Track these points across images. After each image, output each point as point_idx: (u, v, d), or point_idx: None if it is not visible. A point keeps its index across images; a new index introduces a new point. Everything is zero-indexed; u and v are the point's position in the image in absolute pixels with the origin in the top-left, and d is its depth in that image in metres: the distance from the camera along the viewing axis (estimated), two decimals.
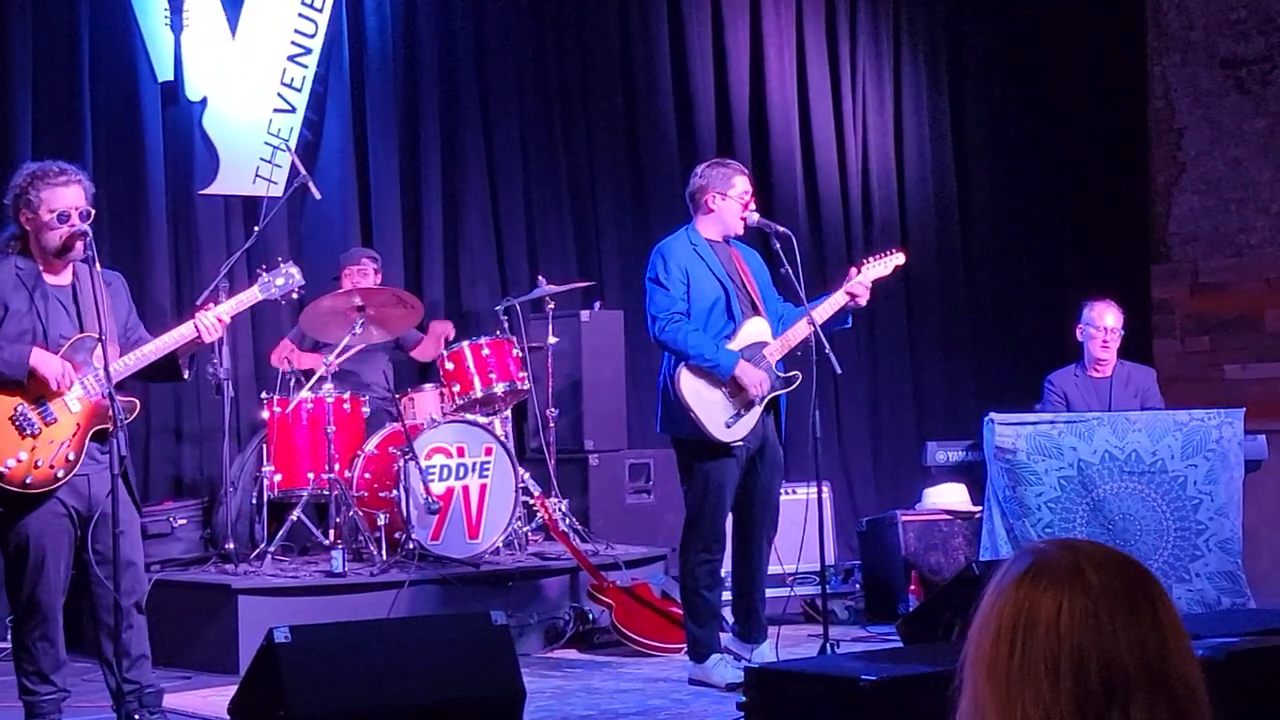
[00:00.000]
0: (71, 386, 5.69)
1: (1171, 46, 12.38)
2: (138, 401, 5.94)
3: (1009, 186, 12.17)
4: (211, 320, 5.95)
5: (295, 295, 6.49)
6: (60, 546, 5.67)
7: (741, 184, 7.21)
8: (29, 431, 5.65)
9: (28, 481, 5.63)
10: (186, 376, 6.15)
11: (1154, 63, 12.48)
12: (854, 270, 7.33)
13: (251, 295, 6.24)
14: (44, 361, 5.66)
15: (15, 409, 5.65)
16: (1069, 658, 1.86)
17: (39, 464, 5.64)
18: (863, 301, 7.23)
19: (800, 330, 7.14)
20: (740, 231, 7.26)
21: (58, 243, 5.71)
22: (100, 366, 5.62)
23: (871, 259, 7.49)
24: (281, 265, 6.34)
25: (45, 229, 5.72)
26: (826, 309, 7.19)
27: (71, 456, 5.66)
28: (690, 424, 6.97)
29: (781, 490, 7.56)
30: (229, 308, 6.12)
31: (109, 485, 5.70)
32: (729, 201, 7.16)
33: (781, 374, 7.15)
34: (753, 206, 7.24)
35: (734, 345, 7.02)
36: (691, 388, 6.97)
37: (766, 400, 7.07)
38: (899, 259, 7.52)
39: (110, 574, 5.67)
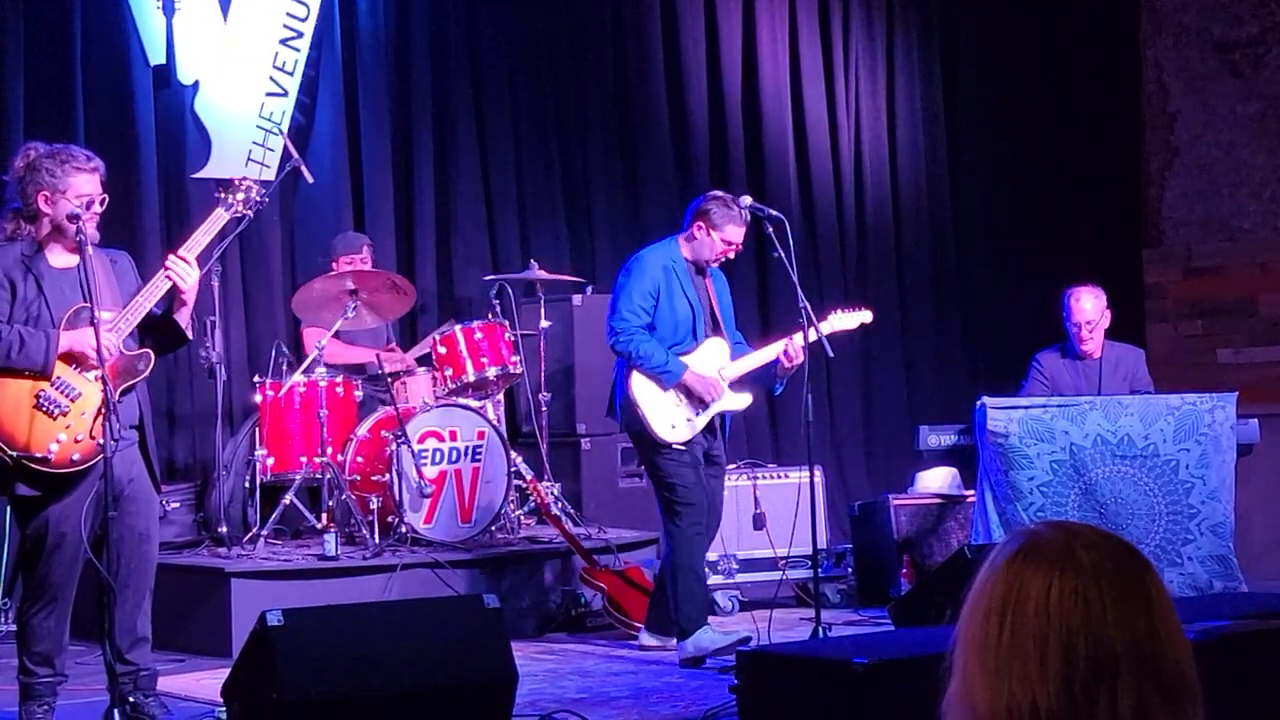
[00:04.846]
0: (110, 346, 5.61)
1: (1164, 29, 12.38)
2: (150, 352, 5.89)
3: (1001, 170, 12.17)
4: (181, 267, 5.81)
5: (260, 201, 6.28)
6: (78, 531, 5.66)
7: (731, 232, 7.25)
8: (59, 411, 5.63)
9: (75, 458, 5.63)
10: (191, 335, 6.05)
11: (1147, 46, 12.48)
12: (791, 338, 7.32)
13: (217, 217, 6.05)
14: (73, 340, 5.64)
15: (38, 395, 5.62)
16: (1058, 637, 1.86)
17: (79, 439, 5.63)
18: (792, 365, 7.28)
19: (757, 359, 7.36)
20: (710, 265, 7.37)
21: (70, 225, 5.67)
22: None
23: (840, 311, 7.65)
24: (237, 181, 6.18)
25: (64, 213, 5.69)
26: (761, 356, 7.37)
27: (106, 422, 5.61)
28: (638, 419, 7.21)
29: (776, 475, 7.57)
30: (198, 242, 5.95)
31: (130, 465, 5.77)
32: (711, 239, 7.25)
33: (732, 394, 7.36)
34: (731, 256, 7.36)
35: (689, 359, 7.24)
36: (642, 387, 7.21)
37: (711, 414, 7.27)
38: (866, 316, 7.68)
39: (130, 551, 5.74)
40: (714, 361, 7.31)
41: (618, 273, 7.41)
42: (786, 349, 7.27)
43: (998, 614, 1.90)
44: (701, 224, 7.24)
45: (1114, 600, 1.88)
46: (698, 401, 7.22)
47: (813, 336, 7.17)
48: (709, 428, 7.33)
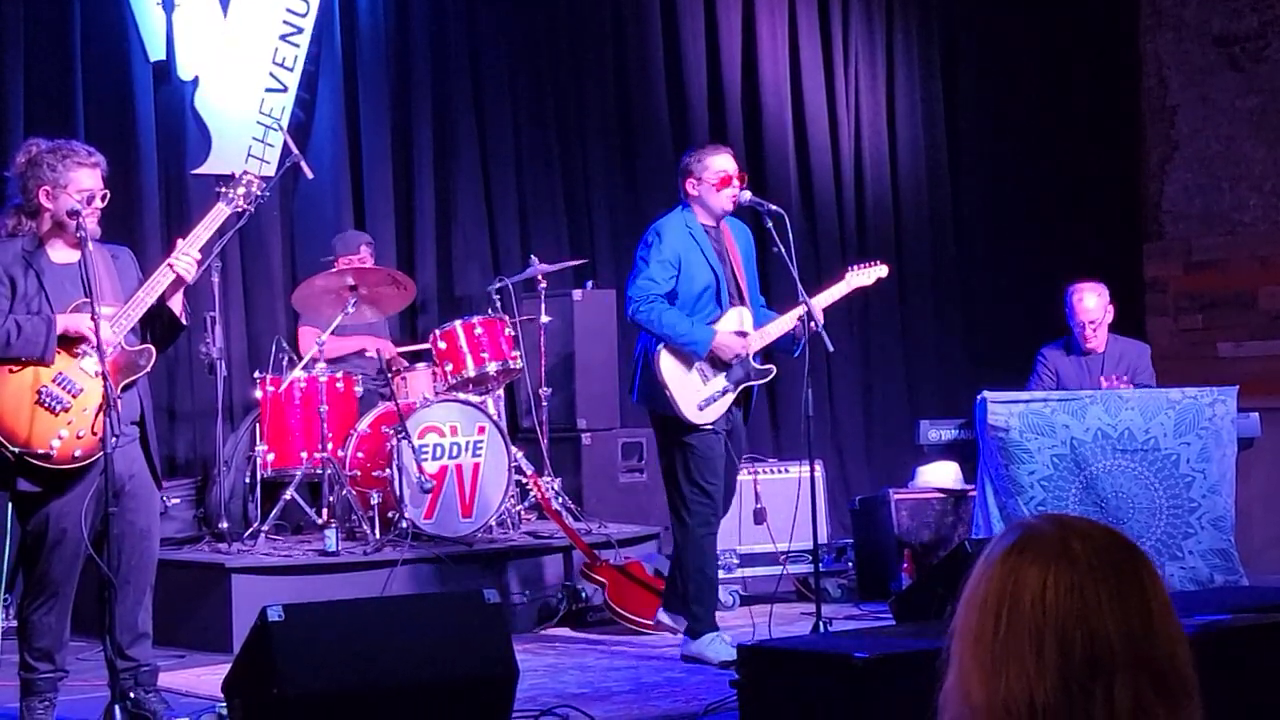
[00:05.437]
0: (103, 331, 5.61)
1: (1164, 24, 12.37)
2: (152, 348, 5.89)
3: (1001, 165, 12.16)
4: (187, 261, 5.83)
5: (261, 196, 6.28)
6: (78, 527, 5.66)
7: (717, 164, 7.11)
8: (60, 407, 5.62)
9: (77, 455, 5.63)
10: (186, 322, 6.05)
11: (1147, 40, 12.47)
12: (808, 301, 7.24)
13: (219, 212, 6.02)
14: (69, 321, 5.63)
15: (39, 391, 5.62)
16: (1053, 632, 1.86)
17: (81, 435, 5.63)
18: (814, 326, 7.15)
19: (782, 325, 7.19)
20: (728, 210, 7.19)
21: (70, 221, 5.66)
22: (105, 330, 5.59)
23: (857, 267, 7.57)
24: (238, 176, 6.16)
25: (65, 208, 5.68)
26: (784, 324, 7.22)
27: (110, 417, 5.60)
28: (665, 401, 7.01)
29: (777, 470, 7.50)
30: (199, 237, 5.94)
31: (131, 462, 5.77)
32: (705, 185, 7.11)
33: (758, 365, 7.19)
34: (735, 184, 7.13)
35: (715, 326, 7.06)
36: (670, 367, 7.00)
37: (740, 389, 7.12)
38: (882, 271, 7.59)
39: (131, 547, 5.74)
40: (738, 331, 7.12)
41: (638, 245, 7.21)
42: (808, 310, 7.08)
43: (994, 609, 1.90)
44: (690, 179, 7.11)
45: (1109, 594, 1.88)
46: (724, 376, 7.04)
47: (812, 330, 7.10)
48: (731, 406, 7.14)
